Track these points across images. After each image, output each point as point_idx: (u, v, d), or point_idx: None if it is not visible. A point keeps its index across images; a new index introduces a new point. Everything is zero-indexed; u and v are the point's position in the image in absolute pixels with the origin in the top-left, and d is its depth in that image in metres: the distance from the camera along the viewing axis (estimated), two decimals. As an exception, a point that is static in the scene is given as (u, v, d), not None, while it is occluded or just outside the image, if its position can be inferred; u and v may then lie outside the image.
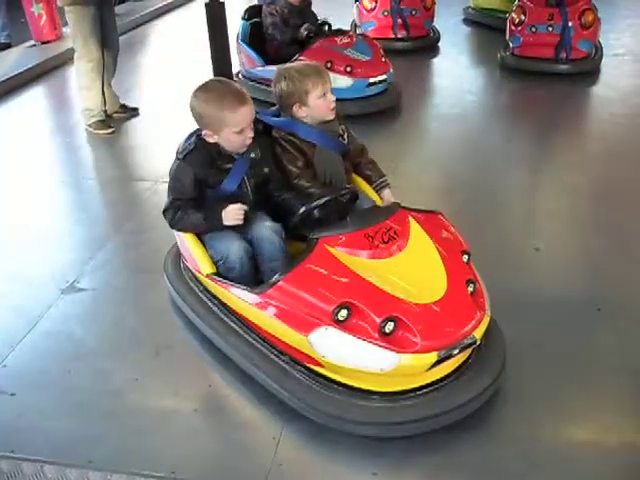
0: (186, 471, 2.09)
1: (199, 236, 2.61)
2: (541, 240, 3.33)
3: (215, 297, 2.60)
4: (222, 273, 2.52)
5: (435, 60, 6.74)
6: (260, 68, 5.22)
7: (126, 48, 6.37)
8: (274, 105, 2.82)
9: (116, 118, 5.20)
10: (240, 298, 2.40)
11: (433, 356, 2.05)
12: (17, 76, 6.24)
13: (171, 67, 6.63)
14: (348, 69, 4.88)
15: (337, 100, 2.73)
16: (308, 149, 2.69)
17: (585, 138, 4.81)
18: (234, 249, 2.47)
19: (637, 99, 5.39)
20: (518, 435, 2.18)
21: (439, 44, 6.95)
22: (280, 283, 2.22)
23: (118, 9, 7.53)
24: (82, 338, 2.74)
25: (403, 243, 2.28)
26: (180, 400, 2.39)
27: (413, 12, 6.67)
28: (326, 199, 2.43)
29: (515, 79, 5.90)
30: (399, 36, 6.68)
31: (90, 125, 4.95)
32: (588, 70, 5.87)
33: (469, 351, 2.23)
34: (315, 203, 2.43)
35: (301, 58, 4.68)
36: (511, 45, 6.02)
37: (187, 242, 2.62)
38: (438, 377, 2.18)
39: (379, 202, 2.77)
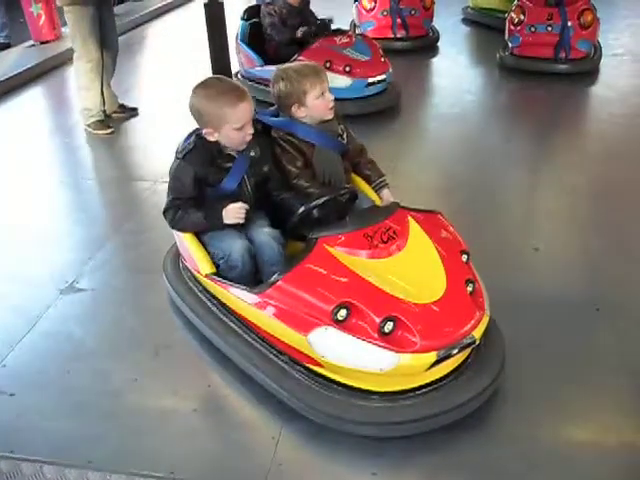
0: (185, 471, 2.09)
1: (198, 236, 2.61)
2: (540, 240, 3.33)
3: (214, 297, 2.60)
4: (223, 272, 2.52)
5: (434, 60, 6.74)
6: (259, 68, 5.22)
7: (125, 48, 6.37)
8: (273, 105, 2.81)
9: (115, 118, 5.20)
10: (239, 298, 2.40)
11: (432, 356, 2.05)
12: (16, 76, 6.24)
13: (170, 67, 6.62)
14: (347, 69, 4.88)
15: (336, 100, 2.73)
16: (307, 149, 2.69)
17: (584, 138, 4.81)
18: (237, 247, 2.47)
19: (636, 99, 5.39)
20: (517, 435, 2.18)
21: (438, 44, 6.96)
22: (279, 283, 2.22)
23: (117, 9, 7.53)
24: (81, 338, 2.74)
25: (402, 243, 2.28)
26: (179, 400, 2.39)
27: (412, 12, 6.68)
28: (325, 199, 2.43)
29: (514, 79, 5.90)
30: (398, 36, 6.69)
31: (89, 125, 4.95)
32: (587, 70, 5.88)
33: (468, 351, 2.23)
34: (314, 203, 2.43)
35: (300, 58, 4.67)
36: (510, 45, 6.01)
37: (186, 242, 2.62)
38: (437, 377, 2.18)
39: (378, 202, 2.77)
